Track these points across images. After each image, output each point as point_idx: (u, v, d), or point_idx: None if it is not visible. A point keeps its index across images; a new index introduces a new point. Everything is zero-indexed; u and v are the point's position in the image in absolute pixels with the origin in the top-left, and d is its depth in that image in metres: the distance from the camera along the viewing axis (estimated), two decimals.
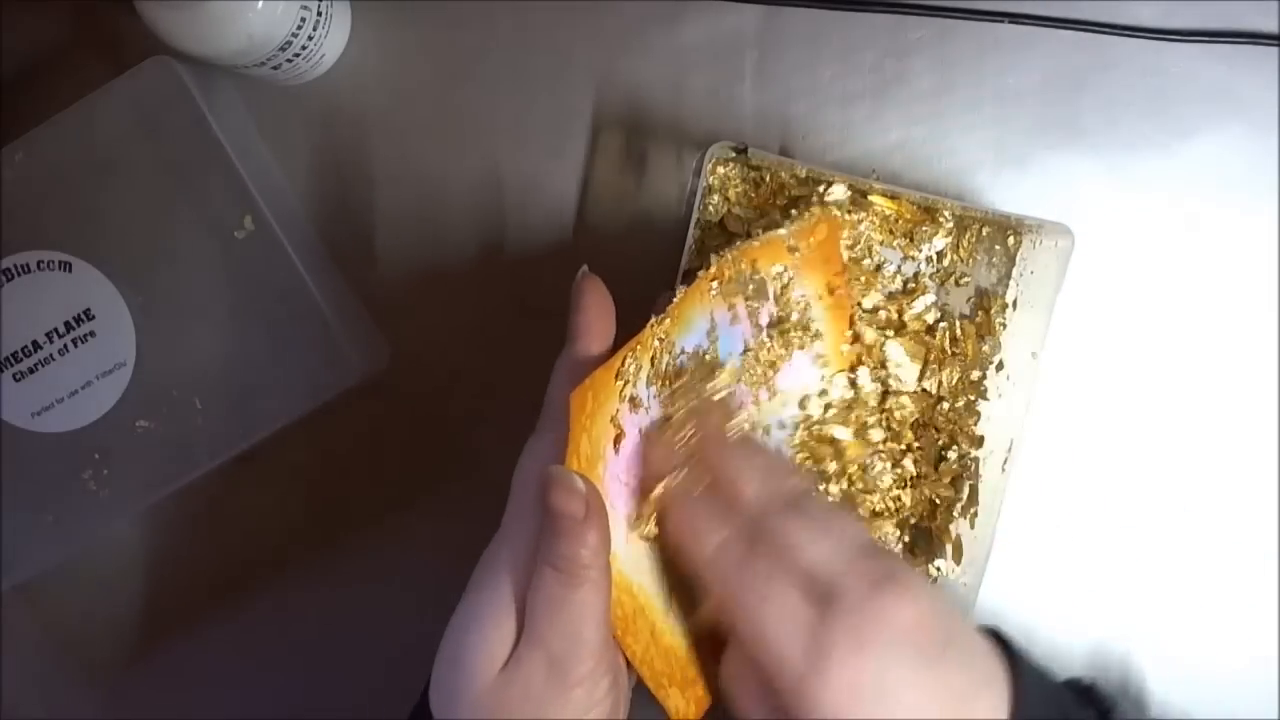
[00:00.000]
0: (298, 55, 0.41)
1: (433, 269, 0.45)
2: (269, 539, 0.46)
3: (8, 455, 0.40)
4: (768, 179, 0.42)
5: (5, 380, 0.40)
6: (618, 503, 0.33)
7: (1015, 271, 0.42)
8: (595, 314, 0.35)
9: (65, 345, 0.40)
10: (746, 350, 0.38)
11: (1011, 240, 0.43)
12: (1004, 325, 0.42)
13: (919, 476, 0.42)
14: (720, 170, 0.42)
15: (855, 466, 0.42)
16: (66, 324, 0.40)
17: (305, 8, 0.39)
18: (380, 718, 0.45)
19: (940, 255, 0.43)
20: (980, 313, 0.43)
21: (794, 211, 0.40)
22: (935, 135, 0.44)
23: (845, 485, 0.42)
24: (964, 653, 0.30)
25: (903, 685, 0.28)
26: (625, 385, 0.33)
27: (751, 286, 0.38)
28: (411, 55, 0.44)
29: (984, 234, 0.43)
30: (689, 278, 0.37)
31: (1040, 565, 0.44)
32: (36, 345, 0.40)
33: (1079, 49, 0.43)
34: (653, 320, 0.34)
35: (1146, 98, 0.43)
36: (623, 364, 0.33)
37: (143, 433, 0.40)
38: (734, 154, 0.41)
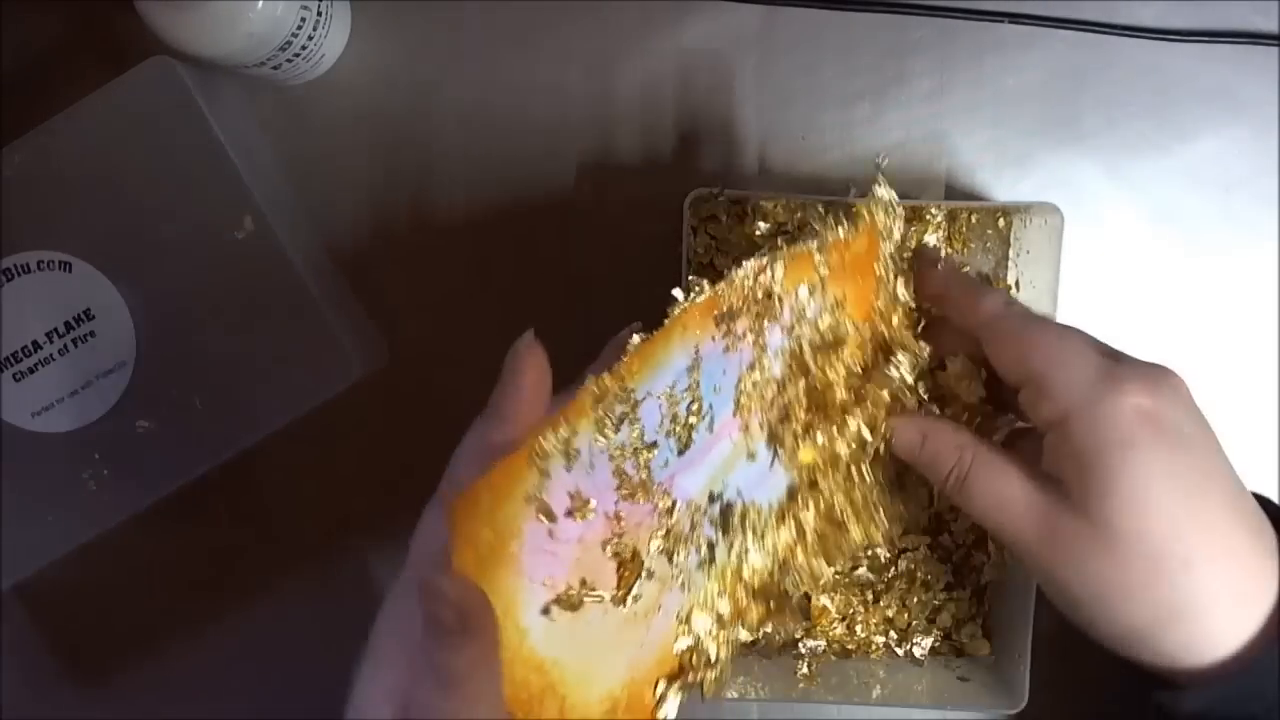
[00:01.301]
0: (298, 55, 0.41)
1: (433, 269, 0.45)
2: (268, 539, 0.46)
3: (8, 455, 0.40)
4: (750, 210, 0.43)
5: (5, 380, 0.40)
6: (544, 573, 0.29)
7: (1011, 252, 0.43)
8: (528, 393, 0.30)
9: (65, 345, 0.40)
10: (742, 380, 0.33)
11: (1002, 223, 0.43)
12: None
13: None
14: (702, 211, 0.42)
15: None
16: (66, 324, 0.40)
17: (305, 8, 0.39)
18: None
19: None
20: None
21: (818, 223, 0.34)
22: (935, 135, 0.44)
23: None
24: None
25: (1190, 423, 0.30)
26: (548, 459, 0.28)
27: (758, 306, 0.32)
28: (411, 55, 0.44)
29: (974, 221, 0.43)
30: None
31: None
32: (36, 345, 0.40)
33: (1079, 49, 0.43)
34: (589, 380, 0.29)
35: (1146, 98, 0.43)
36: (539, 442, 0.28)
37: (143, 433, 0.40)
38: (711, 195, 0.41)
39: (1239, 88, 0.43)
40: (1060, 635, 0.44)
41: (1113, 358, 0.31)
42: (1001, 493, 0.31)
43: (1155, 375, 0.31)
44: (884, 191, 0.34)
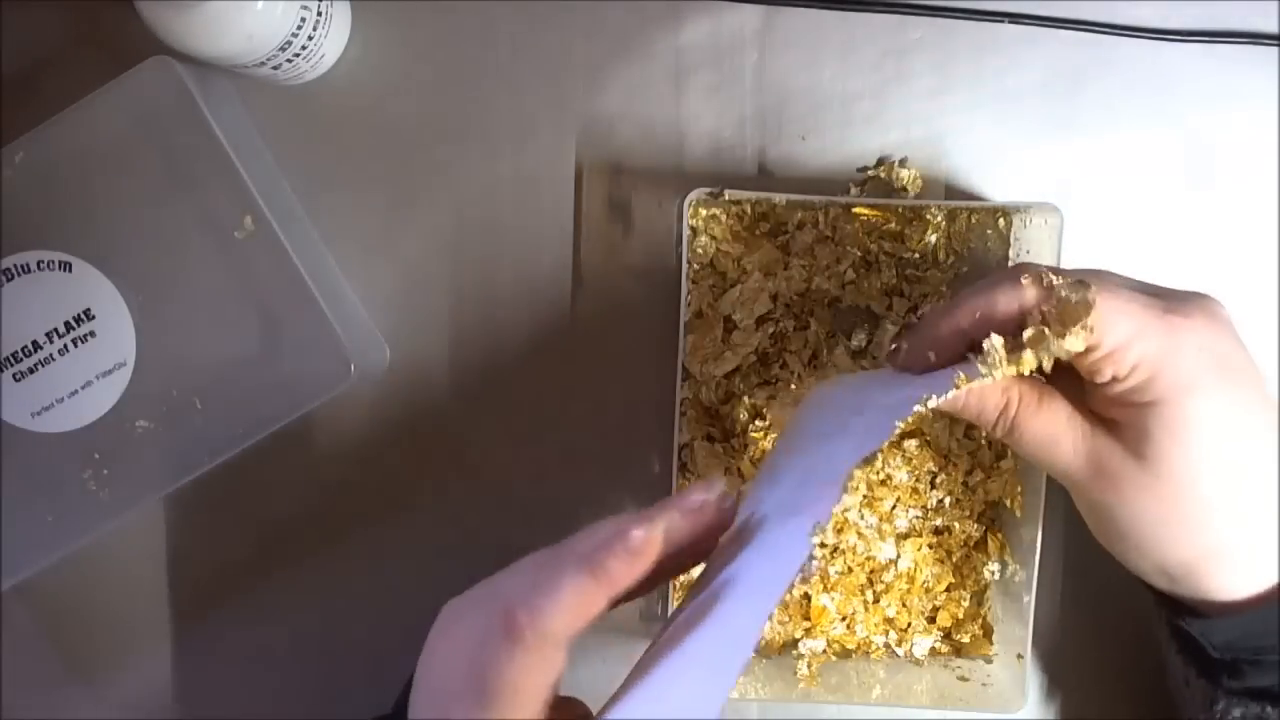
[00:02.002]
0: (298, 55, 0.41)
1: (433, 269, 0.45)
2: (268, 539, 0.46)
3: (8, 455, 0.40)
4: (749, 210, 0.43)
5: (5, 380, 0.40)
6: None
7: (1011, 252, 0.43)
8: (645, 565, 0.28)
9: (65, 345, 0.40)
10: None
11: (1002, 223, 0.43)
12: None
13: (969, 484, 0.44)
14: (702, 212, 0.42)
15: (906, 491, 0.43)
16: (66, 324, 0.40)
17: (305, 8, 0.39)
18: (378, 717, 0.45)
19: (935, 251, 0.43)
20: None
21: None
22: (935, 135, 0.44)
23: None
24: None
25: (1239, 353, 0.31)
26: None
27: None
28: (411, 55, 0.44)
29: (974, 221, 0.43)
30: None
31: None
32: (36, 345, 0.40)
33: (1079, 49, 0.43)
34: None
35: (1146, 98, 0.43)
36: None
37: (143, 433, 0.40)
38: (711, 196, 0.41)
39: (1239, 88, 0.43)
40: (1060, 635, 0.44)
41: (1156, 295, 0.31)
42: (1051, 432, 0.32)
43: (1206, 308, 0.31)
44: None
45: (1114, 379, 0.30)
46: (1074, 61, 0.43)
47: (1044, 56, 0.43)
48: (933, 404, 0.29)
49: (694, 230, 0.43)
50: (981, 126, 0.43)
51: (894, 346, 0.34)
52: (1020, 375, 0.30)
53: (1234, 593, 0.32)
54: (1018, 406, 0.32)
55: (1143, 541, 0.32)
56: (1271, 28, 0.43)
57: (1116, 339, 0.30)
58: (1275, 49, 0.43)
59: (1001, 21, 0.43)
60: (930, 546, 0.44)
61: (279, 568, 0.46)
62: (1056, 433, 0.32)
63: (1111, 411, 0.31)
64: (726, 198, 0.41)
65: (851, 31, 0.43)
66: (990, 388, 0.32)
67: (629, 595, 0.28)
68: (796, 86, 0.44)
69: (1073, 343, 0.28)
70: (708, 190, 0.41)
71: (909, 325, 0.38)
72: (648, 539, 0.27)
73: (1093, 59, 0.43)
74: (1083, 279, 0.30)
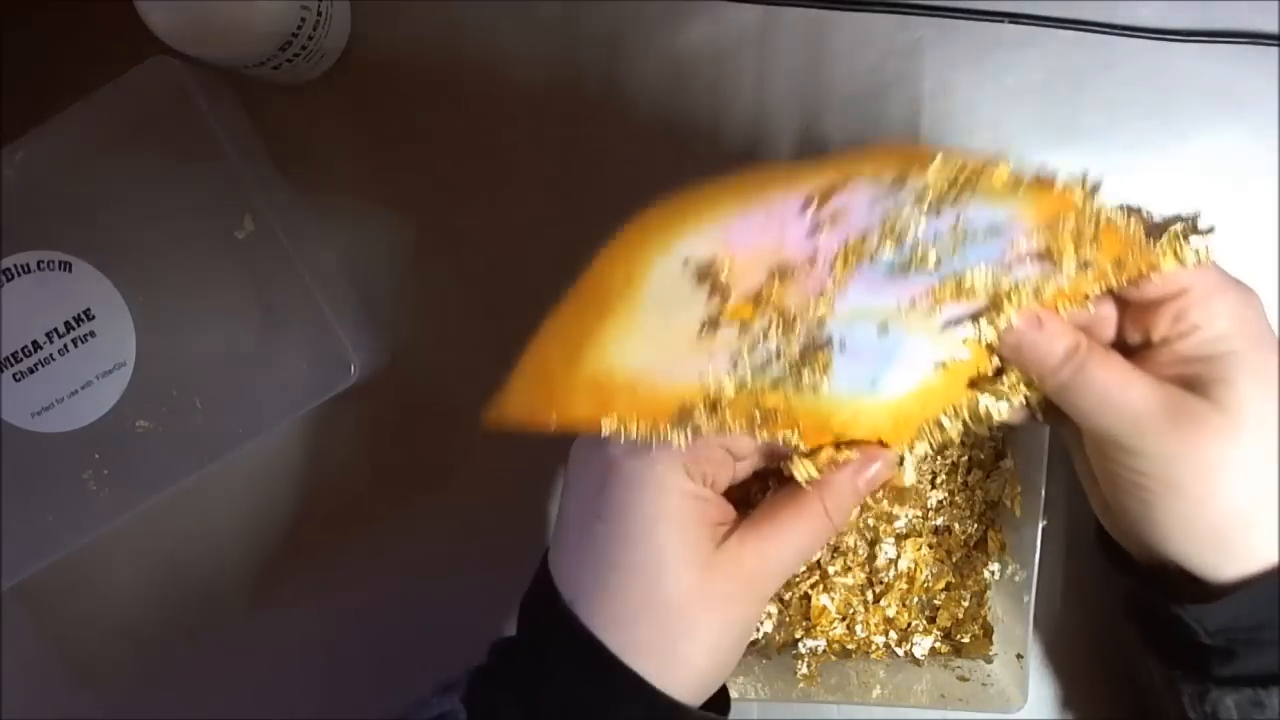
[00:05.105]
0: (298, 55, 0.41)
1: (433, 269, 0.45)
2: (268, 539, 0.46)
3: (8, 455, 0.40)
4: None
5: (5, 380, 0.40)
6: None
7: None
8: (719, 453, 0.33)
9: (65, 345, 0.40)
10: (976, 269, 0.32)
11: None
12: None
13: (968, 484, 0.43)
14: None
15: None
16: (66, 324, 0.40)
17: (305, 8, 0.39)
18: (379, 718, 0.45)
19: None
20: None
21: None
22: (935, 136, 0.43)
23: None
24: None
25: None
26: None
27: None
28: (411, 55, 0.44)
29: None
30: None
31: None
32: (36, 345, 0.40)
33: (1079, 49, 0.43)
34: (937, 151, 0.30)
35: (1146, 98, 0.43)
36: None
37: (143, 433, 0.40)
38: None
39: (1239, 88, 0.43)
40: (1060, 635, 0.44)
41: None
42: (1122, 377, 0.32)
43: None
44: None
45: (1195, 327, 0.32)
46: (1074, 61, 0.43)
47: (1044, 56, 0.43)
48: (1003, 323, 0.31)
49: None
50: (981, 126, 0.43)
51: None
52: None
53: (1247, 565, 0.32)
54: (1087, 349, 0.32)
55: (1190, 495, 0.32)
56: (1271, 28, 0.42)
57: (1206, 285, 0.32)
58: (1275, 49, 0.43)
59: (1001, 21, 0.43)
60: (930, 546, 0.44)
61: (278, 568, 0.46)
62: (1129, 378, 0.32)
63: (1178, 368, 0.32)
64: None
65: (852, 32, 0.43)
66: (1060, 329, 0.32)
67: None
68: (796, 86, 0.44)
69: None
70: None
71: None
72: None
73: (1093, 59, 0.43)
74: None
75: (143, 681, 0.47)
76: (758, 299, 0.31)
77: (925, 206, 0.31)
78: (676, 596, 0.31)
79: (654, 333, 0.31)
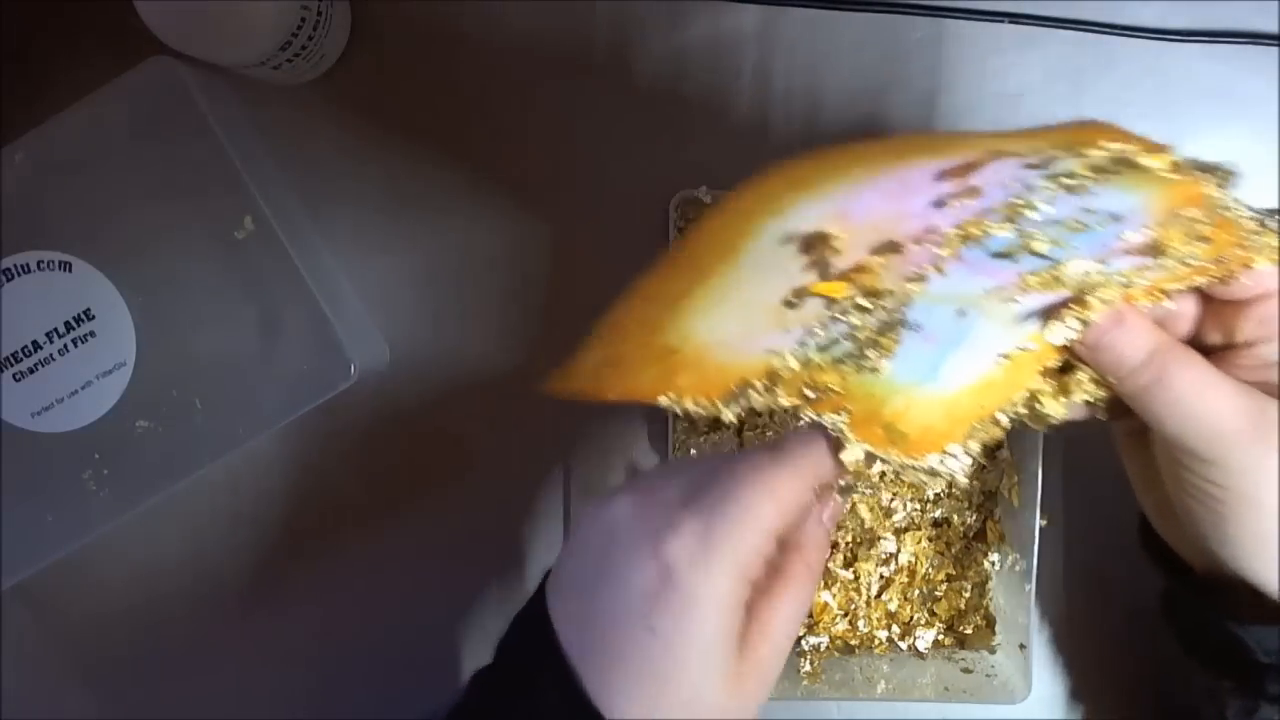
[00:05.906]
0: (298, 55, 0.41)
1: (433, 269, 0.45)
2: (268, 539, 0.46)
3: (8, 455, 0.40)
4: None
5: (5, 380, 0.40)
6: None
7: None
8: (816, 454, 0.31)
9: (65, 345, 0.40)
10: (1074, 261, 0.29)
11: None
12: None
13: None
14: (690, 213, 0.42)
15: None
16: (66, 324, 0.40)
17: (305, 8, 0.39)
18: (378, 717, 0.45)
19: None
20: None
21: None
22: None
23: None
24: None
25: None
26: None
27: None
28: (411, 55, 0.44)
29: None
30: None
31: None
32: (36, 345, 0.40)
33: (1079, 49, 0.43)
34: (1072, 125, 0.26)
35: (1146, 98, 0.43)
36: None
37: (143, 433, 0.40)
38: (699, 198, 0.41)
39: (1239, 88, 0.43)
40: (1063, 624, 0.44)
41: None
42: (1206, 380, 0.30)
43: None
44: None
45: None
46: (1074, 62, 0.43)
47: (1044, 56, 0.43)
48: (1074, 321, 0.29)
49: (680, 231, 0.42)
50: (981, 126, 0.43)
51: None
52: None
53: None
54: (1169, 349, 0.30)
55: (1270, 511, 0.30)
56: (1271, 28, 0.43)
57: None
58: (1275, 49, 0.43)
59: (1001, 21, 0.43)
60: (930, 539, 0.44)
61: (277, 568, 0.46)
62: (1212, 383, 0.30)
63: (1261, 373, 0.31)
64: (714, 199, 0.41)
65: (851, 32, 0.43)
66: (1143, 326, 0.30)
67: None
68: (796, 86, 0.44)
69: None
70: (694, 191, 0.41)
71: None
72: None
73: (1093, 59, 0.43)
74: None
75: (143, 681, 0.47)
76: (853, 273, 0.29)
77: (1061, 188, 0.27)
78: (712, 709, 0.29)
79: (740, 304, 0.29)
